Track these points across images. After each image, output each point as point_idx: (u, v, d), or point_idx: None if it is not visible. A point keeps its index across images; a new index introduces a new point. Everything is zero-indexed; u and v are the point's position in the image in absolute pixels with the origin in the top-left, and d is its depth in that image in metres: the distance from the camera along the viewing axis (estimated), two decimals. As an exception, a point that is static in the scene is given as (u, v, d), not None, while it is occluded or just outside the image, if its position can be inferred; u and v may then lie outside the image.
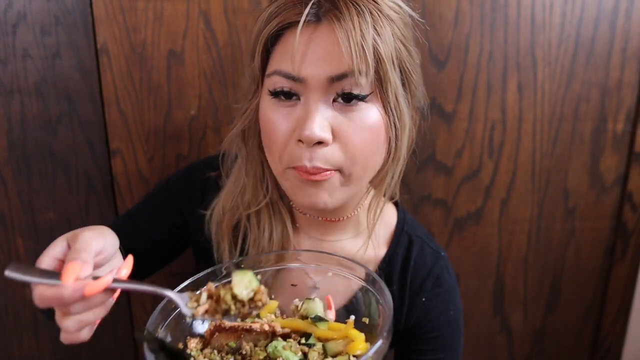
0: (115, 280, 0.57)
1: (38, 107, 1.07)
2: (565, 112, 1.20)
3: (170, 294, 0.61)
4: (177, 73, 1.07)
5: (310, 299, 0.71)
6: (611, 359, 1.43)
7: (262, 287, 0.61)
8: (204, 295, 0.61)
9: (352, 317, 0.68)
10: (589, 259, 1.33)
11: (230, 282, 0.60)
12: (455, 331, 0.90)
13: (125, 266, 0.60)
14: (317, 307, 0.70)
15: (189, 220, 0.92)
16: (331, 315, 0.71)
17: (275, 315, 0.72)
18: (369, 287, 0.68)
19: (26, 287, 1.18)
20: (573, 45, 1.15)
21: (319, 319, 0.68)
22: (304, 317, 0.70)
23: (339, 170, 0.72)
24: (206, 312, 0.60)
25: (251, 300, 0.60)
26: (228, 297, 0.60)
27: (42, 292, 0.55)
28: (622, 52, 1.17)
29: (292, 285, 0.77)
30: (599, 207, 1.28)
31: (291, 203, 0.87)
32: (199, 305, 0.60)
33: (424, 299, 0.87)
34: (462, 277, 1.30)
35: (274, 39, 0.72)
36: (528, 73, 1.15)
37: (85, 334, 0.60)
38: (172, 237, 0.95)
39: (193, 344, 0.67)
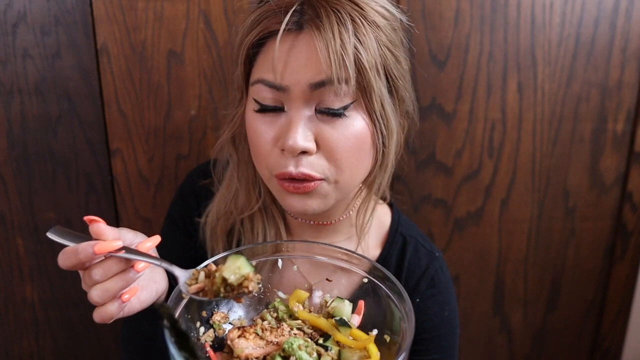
0: (126, 249, 0.61)
1: (38, 107, 1.07)
2: (565, 112, 1.20)
3: (175, 269, 0.63)
4: (177, 73, 1.07)
5: (340, 298, 0.71)
6: (611, 359, 1.43)
7: (252, 274, 0.62)
8: (202, 274, 0.63)
9: (375, 331, 0.67)
10: (589, 259, 1.33)
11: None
12: (450, 331, 0.90)
13: (149, 240, 0.64)
14: (344, 309, 0.69)
15: (192, 231, 0.92)
16: (356, 320, 0.70)
17: (304, 306, 0.72)
18: (395, 300, 0.66)
19: (26, 286, 1.18)
20: (573, 45, 1.15)
21: (342, 323, 0.67)
22: (330, 315, 0.70)
23: (324, 179, 0.72)
24: (202, 291, 0.62)
25: (240, 285, 0.62)
26: (218, 280, 0.61)
27: (64, 250, 0.60)
28: (622, 52, 1.17)
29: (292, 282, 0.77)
30: (599, 207, 1.28)
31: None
32: (197, 283, 0.62)
33: (418, 300, 0.87)
34: (462, 277, 1.30)
35: (257, 47, 0.72)
36: (528, 73, 1.15)
37: (114, 309, 0.62)
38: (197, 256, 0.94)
39: (218, 318, 0.68)
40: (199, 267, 0.64)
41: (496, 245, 1.28)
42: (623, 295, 1.36)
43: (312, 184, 0.71)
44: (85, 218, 0.61)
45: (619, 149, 1.24)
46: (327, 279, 0.74)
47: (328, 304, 0.71)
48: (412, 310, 0.63)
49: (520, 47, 1.13)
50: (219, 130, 1.11)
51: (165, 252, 0.94)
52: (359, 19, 0.67)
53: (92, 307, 0.62)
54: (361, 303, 0.71)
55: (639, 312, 1.36)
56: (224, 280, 0.61)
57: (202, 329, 0.67)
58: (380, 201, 0.93)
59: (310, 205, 0.73)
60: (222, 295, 0.62)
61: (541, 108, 1.18)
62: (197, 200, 0.92)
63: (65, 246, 0.61)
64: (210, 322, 0.68)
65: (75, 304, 1.20)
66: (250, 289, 0.61)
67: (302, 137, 0.68)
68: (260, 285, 0.63)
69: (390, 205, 0.95)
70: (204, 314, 0.68)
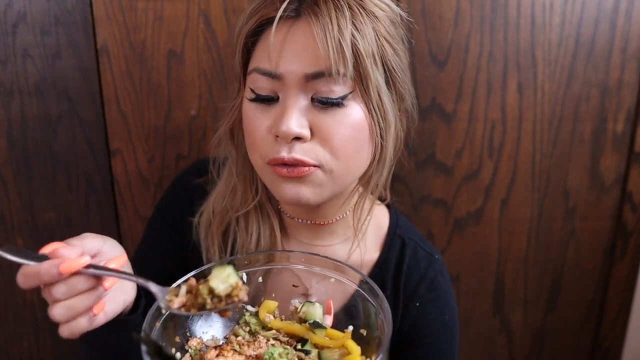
0: (93, 266, 0.57)
1: (38, 107, 1.07)
2: (565, 112, 1.20)
3: (151, 285, 0.60)
4: (177, 73, 1.07)
5: (310, 302, 0.70)
6: (611, 359, 1.43)
7: (241, 283, 0.60)
8: (183, 289, 0.61)
9: (351, 328, 0.67)
10: (589, 258, 1.33)
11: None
12: (450, 335, 0.89)
13: (113, 261, 0.60)
14: (316, 311, 0.69)
15: (182, 229, 0.91)
16: (329, 320, 0.70)
17: (274, 316, 0.71)
18: (368, 297, 0.66)
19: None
20: (573, 45, 1.15)
21: (316, 325, 0.67)
22: (303, 320, 0.69)
23: (319, 166, 0.71)
24: (183, 306, 0.60)
25: (228, 295, 0.60)
26: (204, 291, 0.59)
27: (23, 269, 0.57)
28: (622, 52, 1.17)
29: (284, 289, 0.76)
30: (599, 207, 1.28)
31: (279, 207, 0.86)
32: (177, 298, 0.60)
33: (418, 304, 0.85)
34: (462, 277, 1.30)
35: (254, 36, 0.72)
36: (528, 73, 1.15)
37: (85, 323, 0.59)
38: (182, 254, 0.92)
39: (194, 343, 0.67)
40: (174, 285, 0.62)
41: (496, 245, 1.28)
42: (623, 295, 1.36)
43: (306, 168, 0.69)
44: (42, 251, 0.58)
45: (619, 149, 1.24)
46: (293, 285, 0.74)
47: (299, 310, 0.70)
48: (386, 301, 0.63)
49: (520, 47, 1.13)
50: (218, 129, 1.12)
51: (149, 244, 0.93)
52: (357, 7, 0.68)
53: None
54: (329, 302, 0.71)
55: (639, 312, 1.37)
56: (211, 291, 0.59)
57: (178, 355, 0.65)
58: (378, 202, 0.91)
59: (304, 194, 0.71)
60: (208, 307, 0.59)
61: (541, 108, 1.18)
62: (190, 199, 0.90)
63: (21, 265, 0.57)
64: (186, 347, 0.66)
65: (75, 304, 1.20)
66: (241, 297, 0.60)
67: (295, 123, 0.68)
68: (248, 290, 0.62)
69: (388, 206, 0.93)
70: (177, 339, 0.66)
